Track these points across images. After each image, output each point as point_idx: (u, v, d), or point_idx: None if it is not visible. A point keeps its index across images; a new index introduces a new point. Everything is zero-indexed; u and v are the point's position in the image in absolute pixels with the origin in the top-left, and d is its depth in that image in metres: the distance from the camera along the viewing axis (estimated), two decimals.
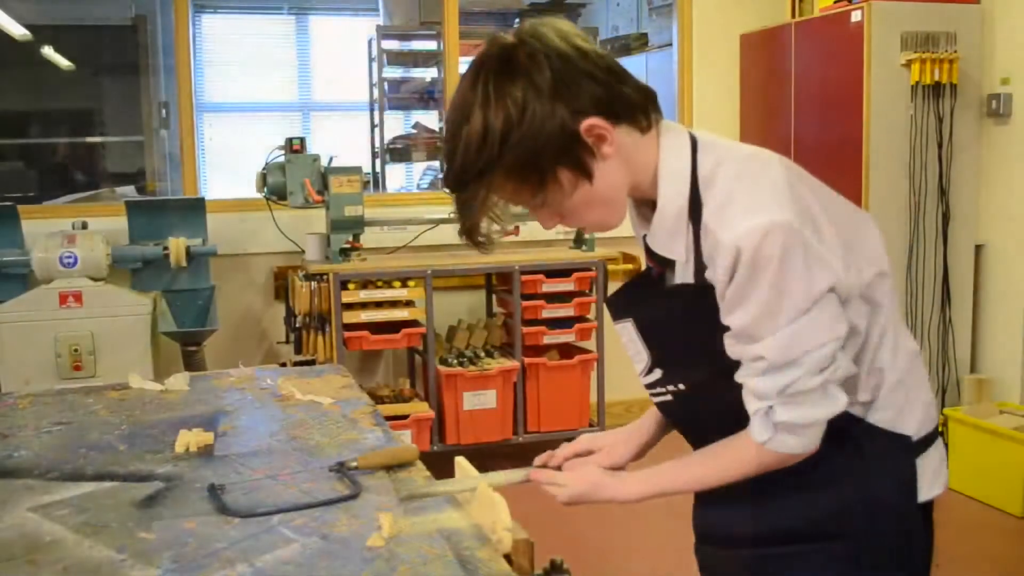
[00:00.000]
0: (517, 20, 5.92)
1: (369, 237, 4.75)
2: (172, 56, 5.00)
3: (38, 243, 4.13)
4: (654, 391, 1.50)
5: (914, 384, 1.47)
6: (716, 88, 5.41)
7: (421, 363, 4.77)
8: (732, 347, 1.36)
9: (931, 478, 1.47)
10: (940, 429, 1.58)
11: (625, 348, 1.51)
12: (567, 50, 1.33)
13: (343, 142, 7.12)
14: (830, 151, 4.55)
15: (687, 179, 1.37)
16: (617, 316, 1.50)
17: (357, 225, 4.47)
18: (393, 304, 4.46)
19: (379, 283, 4.43)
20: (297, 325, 4.47)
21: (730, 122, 5.36)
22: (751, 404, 1.37)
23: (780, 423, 1.35)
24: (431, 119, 6.71)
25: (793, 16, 4.97)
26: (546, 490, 1.55)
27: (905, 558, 1.44)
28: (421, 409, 4.46)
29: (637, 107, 1.38)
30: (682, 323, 1.41)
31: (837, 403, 1.35)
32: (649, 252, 1.47)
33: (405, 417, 4.39)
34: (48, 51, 7.27)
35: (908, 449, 1.44)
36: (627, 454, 1.62)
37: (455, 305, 5.14)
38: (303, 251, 4.75)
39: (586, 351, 4.77)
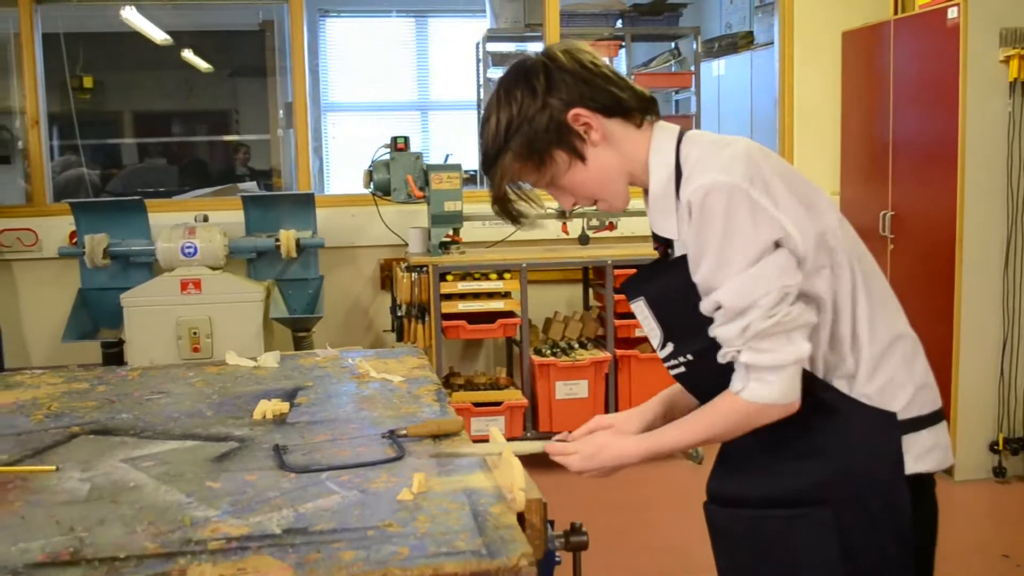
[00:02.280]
0: (619, 21, 6.03)
1: (470, 232, 4.96)
2: None
3: (162, 234, 4.50)
4: (669, 363, 1.67)
5: (901, 365, 1.59)
6: (818, 86, 5.41)
7: (518, 353, 4.95)
8: (702, 304, 1.54)
9: (918, 455, 1.57)
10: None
11: (642, 326, 1.69)
12: (567, 62, 1.61)
13: (459, 140, 7.38)
14: (927, 149, 4.52)
15: (671, 164, 1.59)
16: (632, 296, 1.68)
17: (456, 220, 4.68)
18: (490, 295, 4.66)
19: (476, 275, 4.63)
20: (399, 314, 4.72)
21: (831, 120, 5.36)
22: (723, 353, 1.53)
23: (747, 366, 1.50)
24: None
25: (895, 13, 4.95)
26: (559, 461, 1.72)
27: (890, 527, 1.54)
28: (515, 397, 4.65)
29: (630, 107, 1.62)
30: (683, 294, 1.58)
31: (799, 348, 1.49)
32: (653, 235, 1.68)
33: (499, 404, 4.59)
34: (188, 54, 7.74)
35: (893, 426, 1.55)
36: (635, 429, 1.78)
37: (554, 298, 5.30)
38: (407, 244, 4.99)
39: None
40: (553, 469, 1.79)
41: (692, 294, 1.56)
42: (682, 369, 1.65)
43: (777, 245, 1.48)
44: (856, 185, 5.20)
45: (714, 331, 1.53)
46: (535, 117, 1.58)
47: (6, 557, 1.36)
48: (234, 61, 8.30)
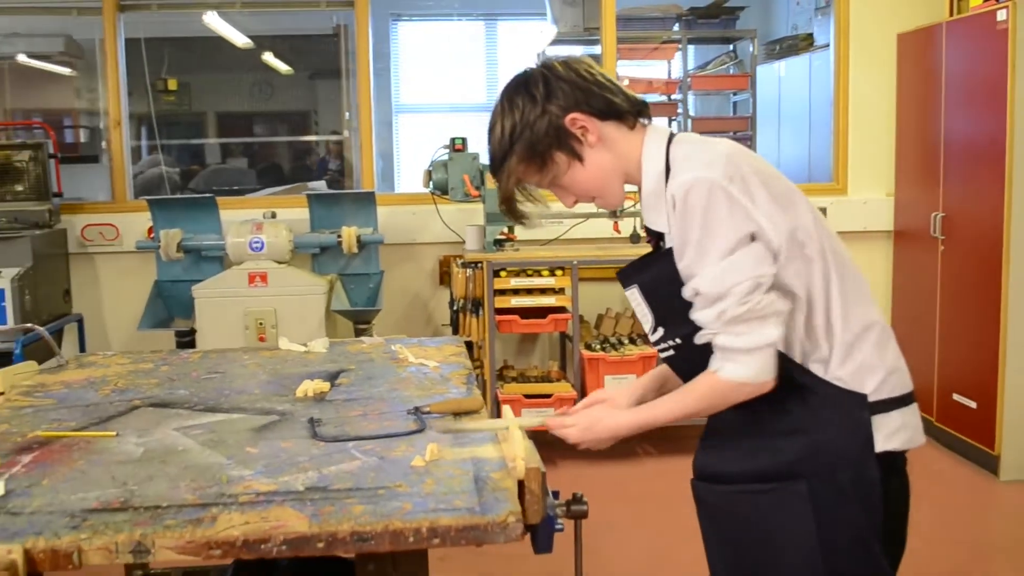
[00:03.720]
0: (676, 25, 6.13)
1: (525, 230, 5.11)
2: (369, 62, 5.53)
3: (232, 230, 4.75)
4: (660, 347, 1.82)
5: (873, 351, 1.72)
6: (873, 87, 5.44)
7: (570, 348, 5.09)
8: (684, 290, 1.69)
9: (888, 434, 1.69)
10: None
11: (635, 311, 1.84)
12: (563, 71, 1.77)
13: None
14: (977, 151, 4.54)
15: (662, 163, 1.74)
16: (626, 283, 1.84)
17: None
18: (543, 291, 4.82)
19: (529, 272, 4.79)
20: (455, 308, 4.90)
21: (886, 122, 5.39)
22: (700, 335, 1.68)
23: (723, 348, 1.64)
24: None
25: (951, 14, 4.97)
26: (558, 434, 1.88)
27: (860, 499, 1.67)
28: (564, 389, 4.80)
29: (624, 110, 1.77)
30: (673, 283, 1.72)
31: (770, 334, 1.62)
32: (646, 229, 1.82)
33: (548, 396, 4.74)
34: (268, 57, 8.04)
35: (863, 406, 1.68)
36: (628, 402, 1.94)
37: (607, 295, 5.43)
38: (465, 241, 5.17)
39: None
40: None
41: (680, 282, 1.70)
42: (671, 352, 1.79)
43: (753, 238, 1.62)
44: (909, 187, 5.24)
45: (693, 315, 1.68)
46: (536, 122, 1.74)
47: (66, 504, 1.57)
48: (312, 64, 8.59)
